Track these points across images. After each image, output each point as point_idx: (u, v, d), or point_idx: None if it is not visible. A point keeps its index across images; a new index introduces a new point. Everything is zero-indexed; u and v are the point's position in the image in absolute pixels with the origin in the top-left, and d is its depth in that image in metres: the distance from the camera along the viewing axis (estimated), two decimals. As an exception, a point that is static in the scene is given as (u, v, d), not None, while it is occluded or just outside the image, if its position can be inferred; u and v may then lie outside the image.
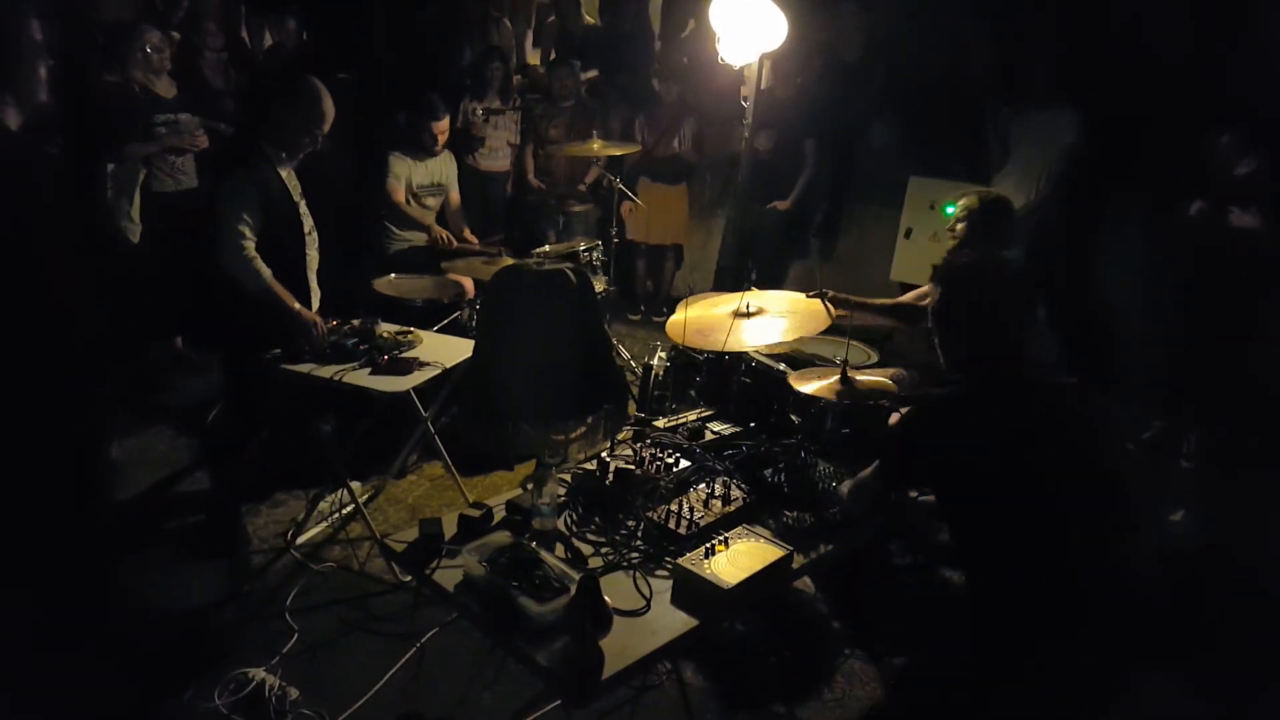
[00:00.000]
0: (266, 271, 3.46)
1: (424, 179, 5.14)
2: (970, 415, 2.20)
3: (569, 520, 2.47)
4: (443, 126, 5.07)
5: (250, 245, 3.42)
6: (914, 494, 2.71)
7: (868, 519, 2.52)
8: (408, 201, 5.10)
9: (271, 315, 3.50)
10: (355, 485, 3.83)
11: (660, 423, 2.94)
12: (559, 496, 2.50)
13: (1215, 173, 4.59)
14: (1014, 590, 2.13)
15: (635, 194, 6.10)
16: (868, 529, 2.58)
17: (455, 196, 5.31)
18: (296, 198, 3.61)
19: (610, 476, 2.55)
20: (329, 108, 3.52)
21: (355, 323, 3.63)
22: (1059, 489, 2.12)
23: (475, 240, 5.12)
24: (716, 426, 2.91)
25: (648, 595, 2.16)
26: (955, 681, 2.21)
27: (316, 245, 3.73)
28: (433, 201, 5.21)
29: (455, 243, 5.07)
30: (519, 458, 4.31)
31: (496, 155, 6.29)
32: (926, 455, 2.24)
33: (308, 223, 3.67)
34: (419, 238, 5.13)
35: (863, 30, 6.18)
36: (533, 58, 7.72)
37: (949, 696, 2.20)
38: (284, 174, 3.56)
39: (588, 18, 7.52)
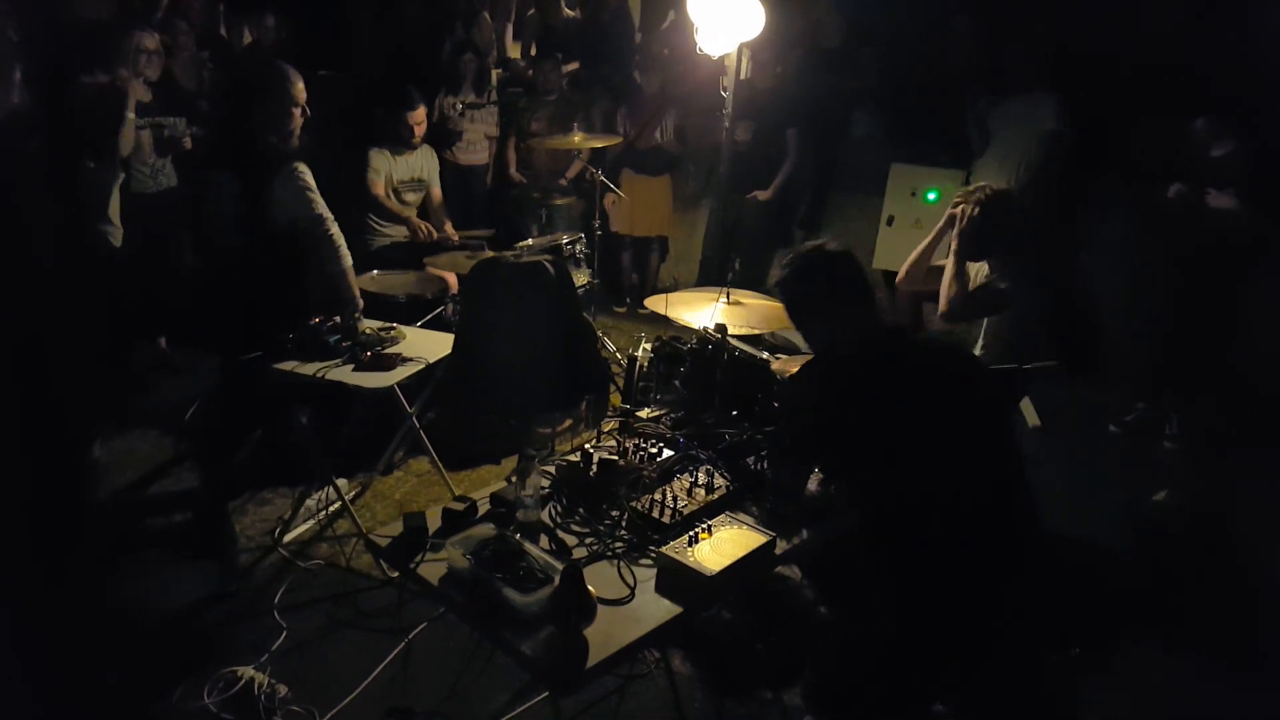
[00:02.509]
0: (349, 258, 3.62)
1: (404, 174, 5.13)
2: (832, 371, 2.33)
3: (553, 511, 2.48)
4: (418, 117, 5.05)
5: (335, 224, 3.58)
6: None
7: (798, 497, 2.52)
8: (387, 195, 5.09)
9: (261, 312, 3.53)
10: (342, 482, 3.83)
11: (644, 413, 2.96)
12: (543, 488, 2.51)
13: (1192, 156, 4.62)
14: (918, 549, 2.16)
15: (619, 186, 6.10)
16: (850, 517, 2.60)
17: (437, 192, 5.30)
18: None
19: (594, 467, 2.56)
20: (298, 81, 3.59)
21: (337, 319, 3.63)
22: (948, 438, 2.20)
23: (455, 235, 5.11)
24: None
25: (632, 584, 2.17)
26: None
27: None
28: (413, 197, 5.19)
29: (435, 235, 5.06)
30: (505, 451, 4.31)
31: (474, 148, 6.28)
32: (802, 418, 2.35)
33: None
34: (401, 233, 5.12)
35: (841, 16, 6.20)
36: (514, 51, 7.70)
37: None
38: None
39: (568, 10, 7.51)
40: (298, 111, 3.59)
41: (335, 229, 3.62)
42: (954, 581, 2.13)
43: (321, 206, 3.59)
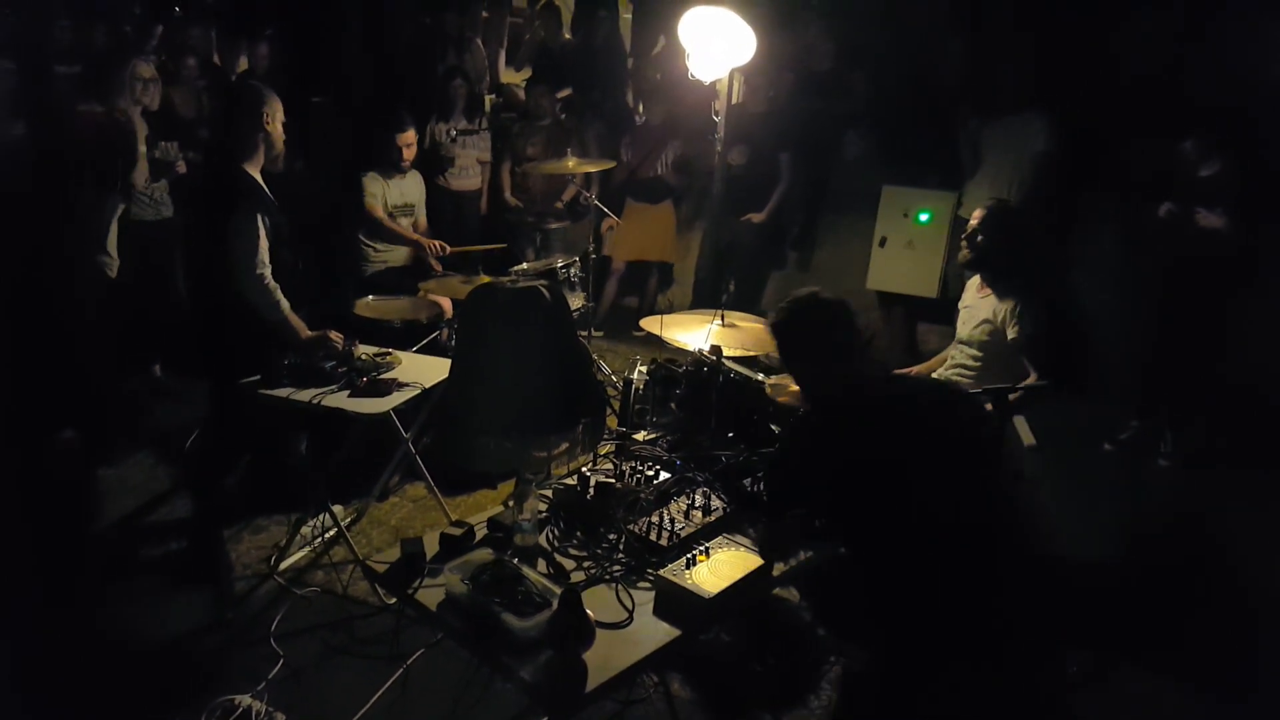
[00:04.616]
0: (285, 302, 3.52)
1: (397, 199, 5.14)
2: (828, 431, 2.31)
3: (551, 535, 2.48)
4: (408, 139, 5.07)
5: (268, 273, 3.47)
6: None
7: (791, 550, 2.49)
8: (387, 217, 5.10)
9: (256, 339, 3.52)
10: (337, 508, 3.82)
11: (640, 436, 2.96)
12: (540, 512, 2.51)
13: (1181, 175, 4.66)
14: (914, 583, 2.15)
15: (621, 214, 6.13)
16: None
17: (423, 220, 5.32)
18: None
19: (591, 491, 2.56)
20: (274, 101, 3.59)
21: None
22: (934, 477, 2.19)
23: (447, 247, 5.10)
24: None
25: (630, 607, 2.17)
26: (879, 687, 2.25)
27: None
28: (405, 222, 5.21)
29: (449, 249, 5.05)
30: (501, 475, 4.31)
31: (467, 174, 6.31)
32: (800, 480, 2.33)
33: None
34: (396, 257, 5.14)
35: (832, 39, 6.25)
36: (507, 76, 7.76)
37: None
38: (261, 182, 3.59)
39: (567, 34, 7.58)
40: (278, 132, 3.60)
41: (269, 279, 3.48)
42: (945, 607, 2.12)
43: (263, 252, 3.46)
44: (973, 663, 2.15)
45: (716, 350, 3.06)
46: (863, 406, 2.34)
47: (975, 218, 3.71)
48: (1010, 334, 3.52)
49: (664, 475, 2.69)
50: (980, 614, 2.14)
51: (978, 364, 3.67)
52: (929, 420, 2.35)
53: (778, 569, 2.34)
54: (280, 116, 3.59)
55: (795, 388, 3.06)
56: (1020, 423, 3.54)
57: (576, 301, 5.07)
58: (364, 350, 3.69)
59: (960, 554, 2.14)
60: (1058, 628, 2.34)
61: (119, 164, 4.67)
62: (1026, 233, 3.71)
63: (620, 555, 2.38)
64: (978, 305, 3.71)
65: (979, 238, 3.65)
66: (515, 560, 2.25)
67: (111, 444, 4.56)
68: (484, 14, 7.67)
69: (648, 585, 2.25)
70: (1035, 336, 3.47)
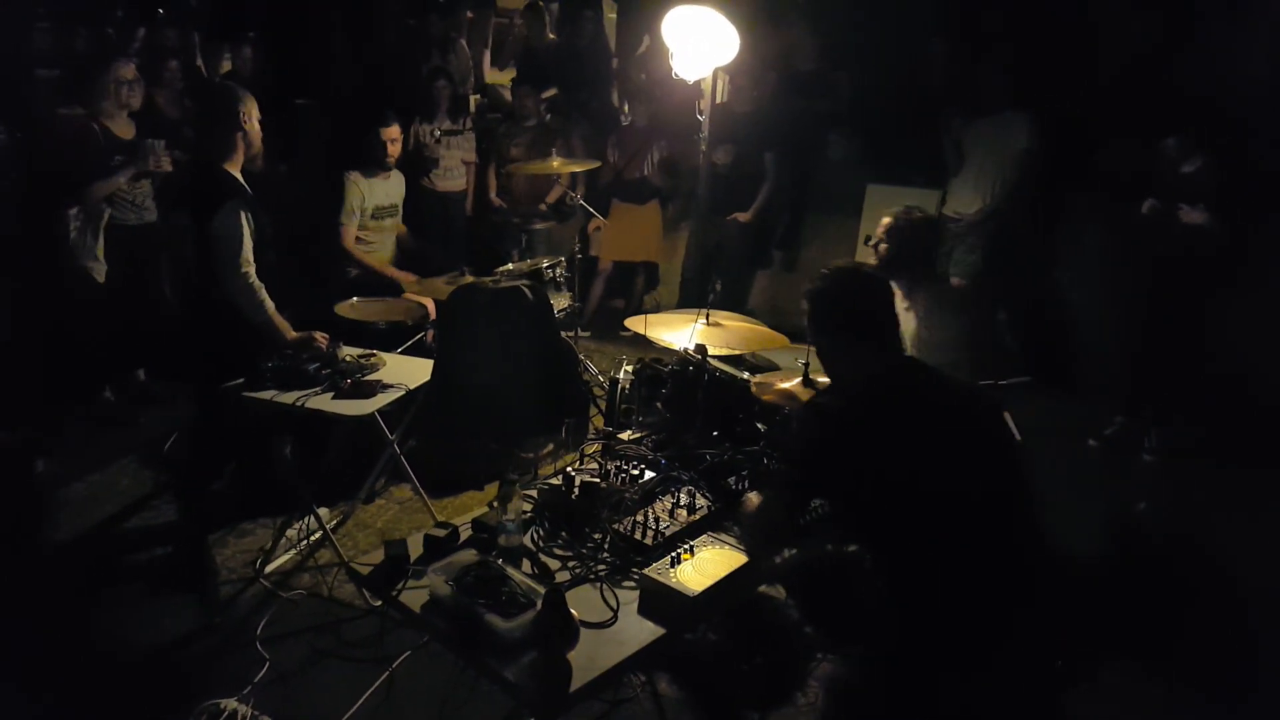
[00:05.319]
0: (270, 303, 3.52)
1: (382, 199, 5.10)
2: (858, 419, 2.22)
3: (535, 536, 2.47)
4: (392, 134, 5.03)
5: (253, 272, 3.47)
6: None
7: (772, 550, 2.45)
8: (357, 241, 5.06)
9: (241, 342, 3.51)
10: (323, 511, 3.80)
11: (625, 435, 2.96)
12: (525, 512, 2.50)
13: (1163, 172, 4.69)
14: (934, 583, 2.12)
15: (608, 214, 6.12)
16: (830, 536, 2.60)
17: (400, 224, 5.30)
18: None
19: (576, 490, 2.55)
20: (247, 100, 3.59)
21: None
22: (958, 473, 2.14)
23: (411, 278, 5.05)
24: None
25: (615, 607, 2.17)
26: (887, 683, 2.21)
27: None
28: (390, 223, 5.16)
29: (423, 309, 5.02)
30: (488, 476, 4.30)
31: (452, 175, 6.30)
32: (827, 467, 2.23)
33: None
34: (379, 258, 5.10)
35: (816, 38, 6.27)
36: (492, 77, 7.75)
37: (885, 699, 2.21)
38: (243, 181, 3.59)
39: (550, 34, 7.57)
40: (256, 130, 3.59)
41: (254, 278, 3.49)
42: (956, 607, 2.10)
43: (247, 251, 3.46)
44: (981, 668, 2.11)
45: (702, 349, 3.07)
46: (888, 395, 2.24)
47: (881, 225, 3.71)
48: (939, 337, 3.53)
49: (649, 474, 2.68)
50: (998, 618, 2.10)
51: None
52: (956, 415, 2.27)
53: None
54: (256, 115, 3.60)
55: (782, 386, 3.06)
56: (1005, 418, 3.56)
57: (563, 302, 5.06)
58: (348, 352, 3.67)
59: (983, 555, 2.11)
60: (1060, 628, 2.31)
61: (87, 171, 4.64)
62: (930, 240, 3.68)
63: (605, 555, 2.37)
64: (904, 317, 3.71)
65: (879, 245, 3.65)
66: (500, 561, 2.24)
67: (97, 449, 4.55)
68: (469, 14, 7.67)
69: (632, 584, 2.25)
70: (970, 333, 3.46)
